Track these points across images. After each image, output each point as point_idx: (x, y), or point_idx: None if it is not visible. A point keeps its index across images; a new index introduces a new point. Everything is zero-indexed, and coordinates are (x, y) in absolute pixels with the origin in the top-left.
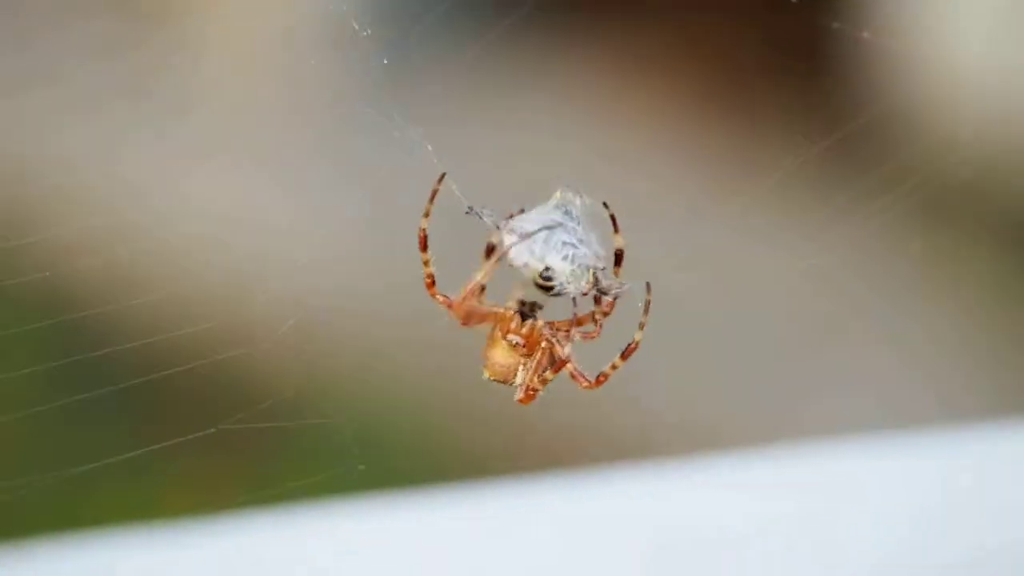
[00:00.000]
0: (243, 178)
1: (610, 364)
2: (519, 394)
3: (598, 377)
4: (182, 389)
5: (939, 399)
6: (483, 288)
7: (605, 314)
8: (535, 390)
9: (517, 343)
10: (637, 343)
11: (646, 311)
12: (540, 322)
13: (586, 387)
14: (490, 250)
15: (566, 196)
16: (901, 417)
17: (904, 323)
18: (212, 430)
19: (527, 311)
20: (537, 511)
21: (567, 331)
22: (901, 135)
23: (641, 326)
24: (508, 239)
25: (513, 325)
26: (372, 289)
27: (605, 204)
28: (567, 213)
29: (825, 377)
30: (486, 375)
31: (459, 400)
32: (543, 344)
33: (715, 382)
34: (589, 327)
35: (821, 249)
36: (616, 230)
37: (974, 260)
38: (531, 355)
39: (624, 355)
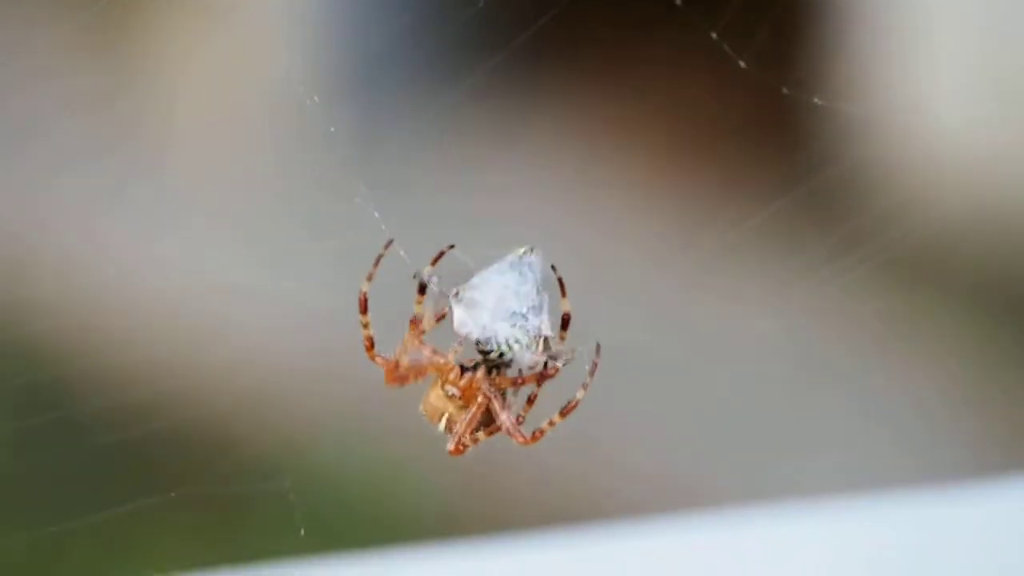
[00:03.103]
0: (199, 239)
1: (548, 420)
2: (450, 445)
3: (534, 433)
4: (137, 452)
5: (908, 458)
6: (421, 333)
7: (548, 377)
8: (465, 445)
9: (453, 394)
10: (577, 402)
11: (592, 372)
12: (480, 375)
13: (522, 443)
14: (421, 289)
15: (524, 257)
16: (869, 477)
17: (870, 381)
18: (172, 494)
19: (468, 365)
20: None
21: (506, 387)
22: (867, 193)
23: (585, 386)
24: (457, 309)
25: (452, 376)
26: (330, 351)
27: (553, 267)
28: (522, 275)
29: (790, 436)
30: (421, 409)
31: (417, 461)
32: (479, 399)
33: (681, 440)
34: (530, 388)
35: (788, 306)
36: (563, 294)
37: (938, 319)
38: (467, 407)
39: (563, 413)
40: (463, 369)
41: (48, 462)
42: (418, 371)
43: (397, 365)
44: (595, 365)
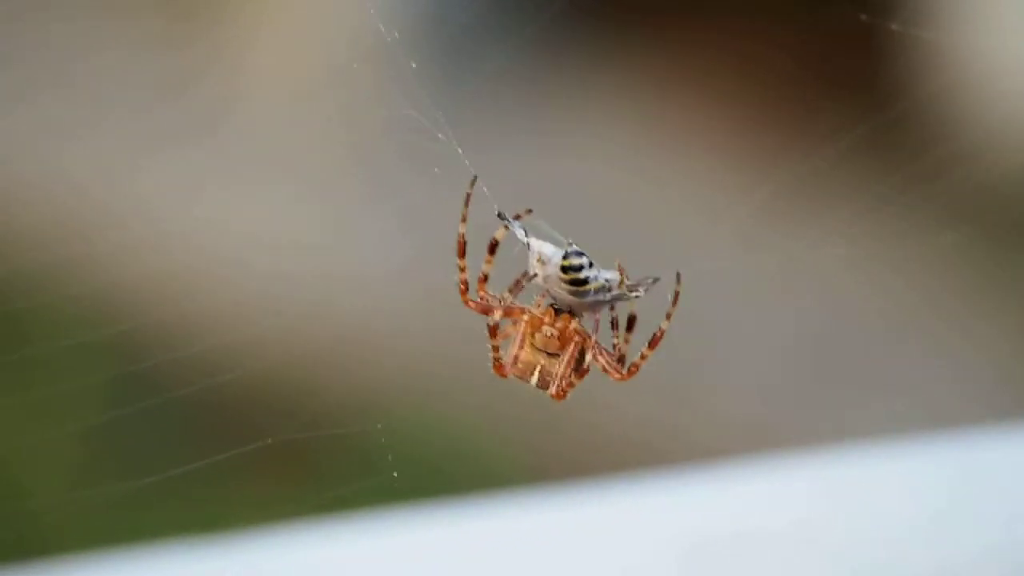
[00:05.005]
0: (274, 190)
1: (640, 354)
2: (552, 389)
3: (629, 368)
4: (221, 403)
5: (974, 397)
6: (486, 278)
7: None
8: (570, 385)
9: (552, 335)
10: (663, 331)
11: (675, 302)
12: (574, 320)
13: (619, 379)
14: (493, 246)
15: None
16: (935, 416)
17: (938, 319)
18: (268, 441)
19: (561, 307)
20: (564, 520)
21: (594, 336)
22: (941, 129)
23: (668, 316)
24: (533, 260)
25: (547, 319)
26: (408, 300)
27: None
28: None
29: (857, 376)
30: (509, 373)
31: (488, 410)
32: (575, 340)
33: (747, 379)
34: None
35: (855, 242)
36: (633, 292)
37: (1006, 256)
38: (564, 349)
39: (651, 344)
40: (557, 311)
41: (137, 414)
42: (510, 313)
43: (489, 305)
44: (677, 294)
